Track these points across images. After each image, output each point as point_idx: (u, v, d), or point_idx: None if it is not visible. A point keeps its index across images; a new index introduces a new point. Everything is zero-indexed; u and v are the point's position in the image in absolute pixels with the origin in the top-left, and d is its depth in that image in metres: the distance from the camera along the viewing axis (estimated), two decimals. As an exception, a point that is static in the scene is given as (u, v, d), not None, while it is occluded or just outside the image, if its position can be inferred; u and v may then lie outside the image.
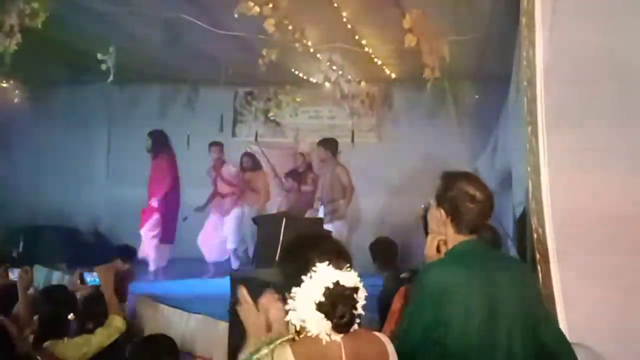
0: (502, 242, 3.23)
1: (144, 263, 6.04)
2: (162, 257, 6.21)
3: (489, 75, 6.01)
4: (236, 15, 4.10)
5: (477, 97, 6.79)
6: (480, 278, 1.84)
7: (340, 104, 7.08)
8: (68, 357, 2.79)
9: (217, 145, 6.66)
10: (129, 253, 4.76)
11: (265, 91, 7.85)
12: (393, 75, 6.84)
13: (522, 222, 3.64)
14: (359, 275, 1.53)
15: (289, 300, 1.50)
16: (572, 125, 2.43)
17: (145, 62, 6.40)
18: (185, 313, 4.67)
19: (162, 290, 5.34)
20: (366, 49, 5.46)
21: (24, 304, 3.11)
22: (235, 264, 6.53)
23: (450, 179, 1.94)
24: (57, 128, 7.67)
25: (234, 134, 7.98)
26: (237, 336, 1.75)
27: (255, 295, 1.68)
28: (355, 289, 1.50)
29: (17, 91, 7.42)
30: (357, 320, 1.52)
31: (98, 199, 7.83)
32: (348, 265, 1.54)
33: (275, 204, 6.89)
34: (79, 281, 3.18)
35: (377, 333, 1.65)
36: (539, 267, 2.47)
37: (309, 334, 1.50)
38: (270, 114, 7.87)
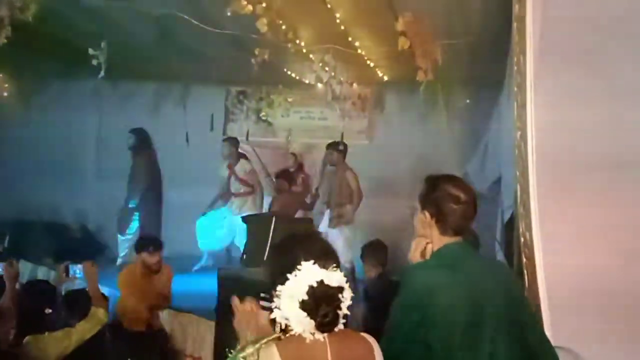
0: (480, 244, 3.25)
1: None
2: None
3: (481, 80, 6.05)
4: (229, 14, 4.09)
5: (468, 101, 6.84)
6: (465, 280, 1.86)
7: (332, 105, 7.09)
8: (49, 352, 2.76)
9: (227, 141, 6.50)
10: (158, 243, 4.23)
11: (257, 90, 7.84)
12: (385, 78, 6.86)
13: (511, 226, 3.67)
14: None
15: (275, 298, 1.50)
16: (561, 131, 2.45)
17: (137, 59, 6.36)
18: (172, 311, 4.65)
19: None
20: (359, 51, 5.47)
21: (9, 297, 3.08)
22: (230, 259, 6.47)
23: (434, 181, 1.97)
24: (47, 123, 7.60)
25: (224, 133, 7.96)
26: (225, 335, 1.75)
27: (242, 295, 1.69)
28: (340, 289, 1.50)
29: (6, 85, 7.34)
30: (343, 321, 1.52)
31: (87, 195, 7.77)
32: (335, 265, 1.54)
33: (266, 203, 6.87)
34: (64, 273, 3.18)
35: (363, 334, 1.65)
36: (525, 271, 2.49)
37: (292, 332, 1.49)
38: (262, 113, 7.87)
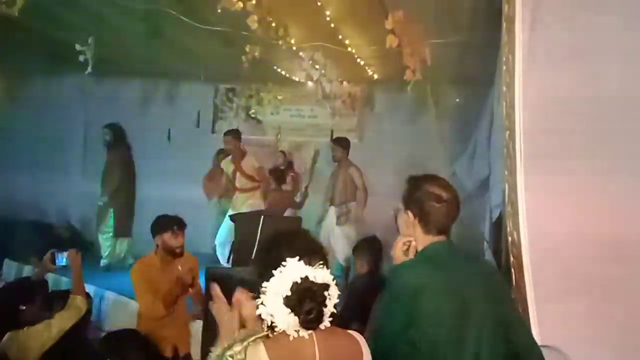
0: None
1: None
2: (119, 251, 6.29)
3: (470, 80, 6.06)
4: (219, 10, 4.07)
5: (457, 100, 6.86)
6: (450, 278, 1.86)
7: (322, 104, 7.08)
8: (30, 346, 2.72)
9: (227, 135, 6.25)
10: (181, 221, 3.48)
11: (246, 88, 7.81)
12: (375, 76, 6.86)
13: (499, 225, 3.68)
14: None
15: (260, 295, 1.49)
16: (549, 131, 2.46)
17: (125, 55, 6.30)
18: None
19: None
20: (349, 49, 5.47)
21: None
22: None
23: (416, 181, 1.99)
24: (32, 120, 7.51)
25: (213, 131, 7.93)
26: (212, 333, 1.74)
27: (230, 294, 1.68)
28: (326, 286, 1.50)
29: (-9, 80, 7.26)
30: (329, 318, 1.51)
31: (73, 193, 7.69)
32: (321, 262, 1.53)
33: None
34: (49, 261, 3.14)
35: (352, 332, 1.65)
36: (512, 270, 2.50)
37: (278, 329, 1.49)
38: (252, 111, 7.84)
